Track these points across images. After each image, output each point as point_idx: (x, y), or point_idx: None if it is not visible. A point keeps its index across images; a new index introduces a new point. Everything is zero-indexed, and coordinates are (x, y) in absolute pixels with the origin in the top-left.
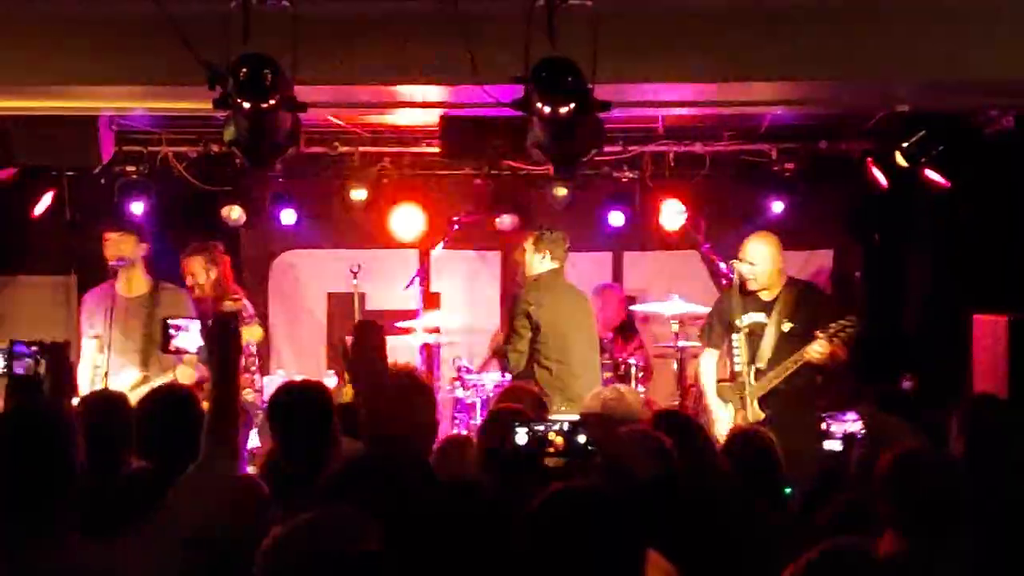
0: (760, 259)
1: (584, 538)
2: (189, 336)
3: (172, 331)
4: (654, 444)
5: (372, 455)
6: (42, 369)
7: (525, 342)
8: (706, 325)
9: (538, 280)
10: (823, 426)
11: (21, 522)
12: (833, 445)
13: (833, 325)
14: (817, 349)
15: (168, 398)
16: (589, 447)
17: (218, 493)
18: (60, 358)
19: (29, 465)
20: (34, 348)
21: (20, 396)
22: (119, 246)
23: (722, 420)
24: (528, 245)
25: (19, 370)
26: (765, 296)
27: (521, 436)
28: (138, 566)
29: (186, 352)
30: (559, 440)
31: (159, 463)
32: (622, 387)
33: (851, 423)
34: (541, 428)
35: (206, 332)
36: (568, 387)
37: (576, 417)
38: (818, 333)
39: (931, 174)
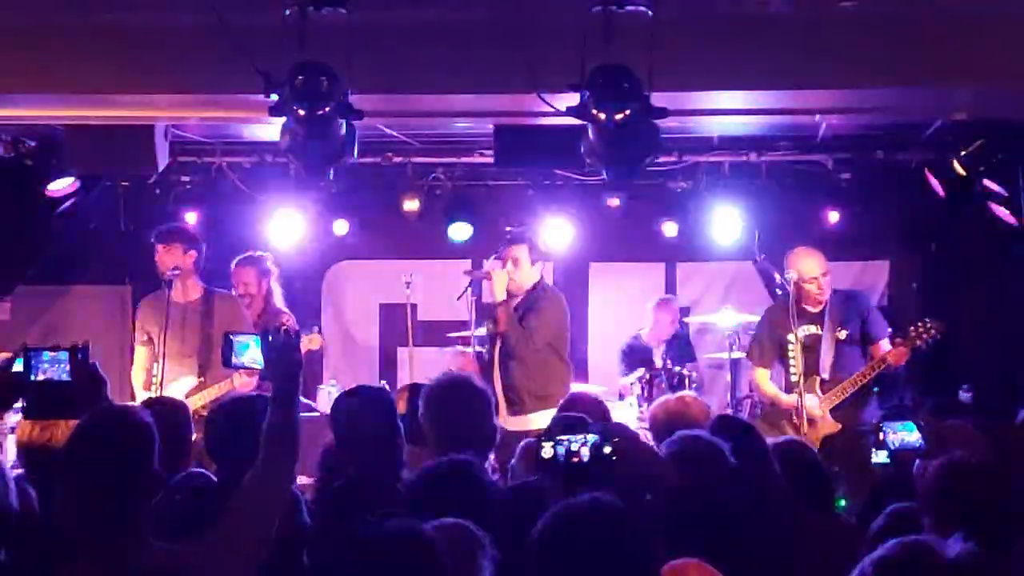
0: (819, 272)
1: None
2: (252, 350)
3: (237, 345)
4: (708, 449)
5: (446, 461)
6: (65, 374)
7: None
8: (754, 343)
9: (547, 287)
10: (880, 436)
11: (106, 524)
12: (880, 458)
13: (913, 328)
14: (899, 351)
15: (242, 407)
16: (614, 457)
17: (279, 503)
18: (83, 359)
19: (115, 467)
20: (52, 353)
21: (46, 400)
22: (166, 258)
23: (814, 409)
24: (522, 255)
25: (38, 376)
26: (813, 308)
27: (547, 451)
28: (208, 571)
29: (250, 368)
30: (585, 451)
31: (224, 470)
32: (688, 395)
33: (907, 434)
34: (566, 441)
35: (267, 345)
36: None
37: (602, 428)
38: (896, 339)
39: (999, 211)
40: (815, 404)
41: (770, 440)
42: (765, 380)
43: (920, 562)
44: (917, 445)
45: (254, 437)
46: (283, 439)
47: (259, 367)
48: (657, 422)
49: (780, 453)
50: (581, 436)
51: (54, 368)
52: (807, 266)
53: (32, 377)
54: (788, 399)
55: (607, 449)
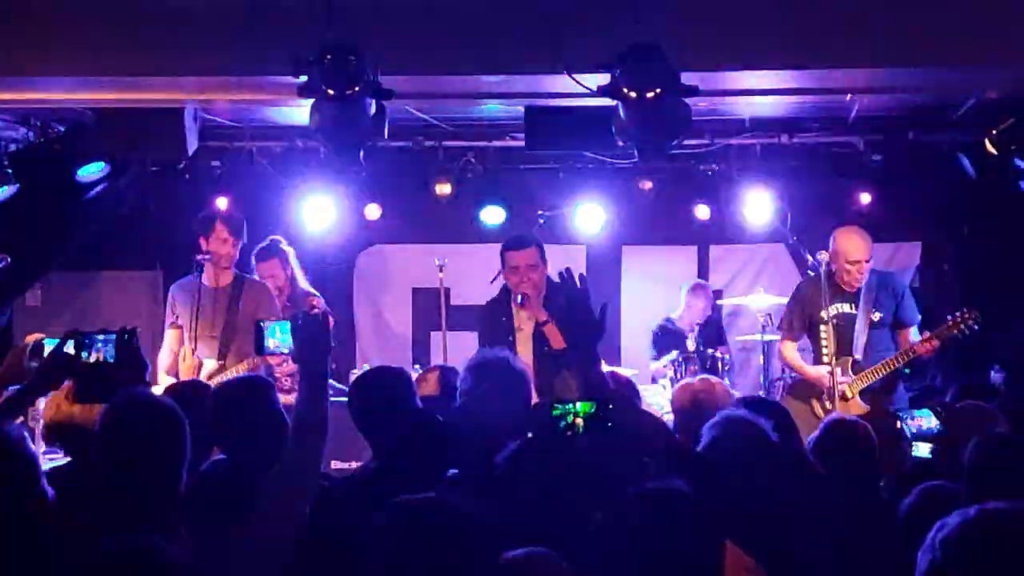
0: (865, 255)
1: None
2: (282, 335)
3: (267, 331)
4: (752, 429)
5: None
6: (111, 357)
7: None
8: (786, 315)
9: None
10: (897, 424)
11: (136, 512)
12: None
13: (951, 318)
14: (932, 340)
15: (249, 390)
16: (610, 424)
17: (311, 487)
18: (131, 344)
19: (146, 454)
20: (102, 336)
21: (94, 384)
22: (222, 241)
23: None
24: (536, 258)
25: (90, 358)
26: (848, 287)
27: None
28: (237, 561)
29: (281, 353)
30: (580, 423)
31: (238, 456)
32: (712, 378)
33: (924, 420)
34: (562, 410)
35: (295, 332)
36: None
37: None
38: (907, 332)
39: None
40: (846, 382)
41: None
42: (792, 351)
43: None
44: (936, 430)
45: (253, 421)
46: (312, 423)
47: (289, 352)
48: (680, 405)
49: (831, 429)
50: (574, 404)
51: (104, 351)
52: (853, 247)
53: (83, 359)
54: (813, 370)
55: (603, 416)
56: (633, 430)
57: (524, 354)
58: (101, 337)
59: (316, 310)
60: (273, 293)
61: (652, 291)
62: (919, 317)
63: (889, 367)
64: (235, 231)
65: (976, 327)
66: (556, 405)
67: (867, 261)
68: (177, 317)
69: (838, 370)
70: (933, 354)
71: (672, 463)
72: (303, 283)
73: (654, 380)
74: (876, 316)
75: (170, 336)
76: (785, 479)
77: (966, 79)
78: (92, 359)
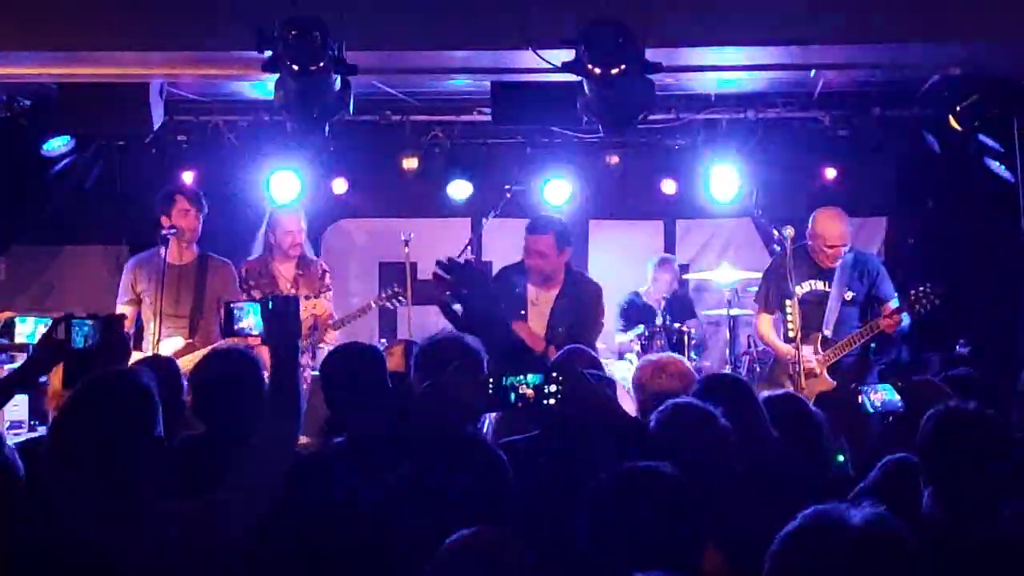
0: (845, 238)
1: None
2: (251, 318)
3: (236, 312)
4: (700, 416)
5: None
6: (98, 342)
7: None
8: (761, 288)
9: (583, 277)
10: (860, 399)
11: (106, 487)
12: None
13: (914, 292)
14: (895, 316)
15: (232, 363)
16: (558, 399)
17: (284, 465)
18: (116, 331)
19: (115, 430)
20: (90, 321)
21: (80, 369)
22: (191, 220)
23: (812, 363)
24: (547, 247)
25: (77, 343)
26: (824, 265)
27: (492, 388)
28: (209, 532)
29: (249, 335)
30: (530, 394)
31: (215, 428)
32: (675, 356)
33: (886, 394)
34: (509, 381)
35: (266, 312)
36: None
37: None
38: (888, 306)
39: (994, 167)
40: (812, 358)
41: (762, 394)
42: (767, 326)
43: (827, 534)
44: (899, 405)
45: (241, 395)
46: (284, 403)
47: (259, 333)
48: (641, 382)
49: (769, 406)
50: (524, 376)
51: (92, 337)
52: (833, 232)
53: (72, 345)
54: (784, 348)
55: (551, 388)
56: (582, 403)
57: (537, 328)
58: (90, 322)
59: (286, 293)
60: (234, 270)
61: (619, 265)
62: (895, 292)
63: (854, 342)
64: (197, 203)
65: (938, 302)
66: (507, 375)
67: (845, 246)
68: (136, 294)
69: (809, 348)
70: (896, 328)
71: (622, 439)
72: (309, 251)
73: (621, 355)
74: (849, 295)
75: (126, 312)
76: (732, 461)
77: (929, 56)
78: (81, 344)
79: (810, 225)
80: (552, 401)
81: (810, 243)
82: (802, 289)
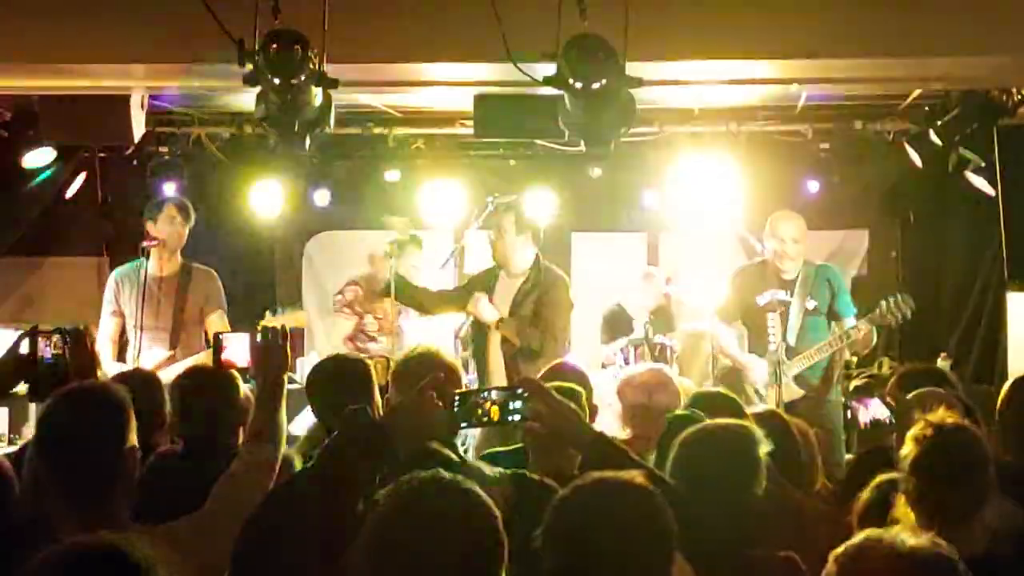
0: (800, 236)
1: None
2: (239, 350)
3: (224, 344)
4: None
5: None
6: (65, 354)
7: None
8: (722, 301)
9: (550, 269)
10: (848, 414)
11: (81, 506)
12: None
13: (884, 303)
14: (864, 327)
15: (208, 381)
16: (523, 415)
17: (262, 493)
18: (82, 343)
19: (88, 442)
20: (56, 336)
21: (45, 383)
22: (170, 220)
23: (757, 371)
24: (507, 223)
25: (45, 356)
26: (787, 275)
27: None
28: (190, 553)
29: (235, 366)
30: (495, 410)
31: (193, 445)
32: (664, 370)
33: (877, 408)
34: (475, 400)
35: (253, 346)
36: None
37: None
38: (857, 323)
39: (975, 181)
40: (762, 373)
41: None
42: (726, 337)
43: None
44: (887, 420)
45: (215, 408)
46: (266, 437)
47: (243, 365)
48: (633, 400)
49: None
50: (488, 392)
51: (59, 351)
52: (786, 225)
53: (38, 359)
54: (743, 358)
55: (516, 404)
56: (546, 419)
57: (502, 311)
58: (55, 338)
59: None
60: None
61: (602, 278)
62: (855, 311)
63: (823, 351)
64: (184, 212)
65: (909, 315)
66: (473, 392)
67: (797, 241)
68: (119, 306)
69: (780, 358)
70: (868, 340)
71: (601, 456)
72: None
73: (604, 367)
74: (811, 304)
75: (111, 325)
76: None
77: (910, 70)
78: (48, 357)
79: (767, 230)
80: (517, 417)
81: (771, 250)
82: (763, 299)
